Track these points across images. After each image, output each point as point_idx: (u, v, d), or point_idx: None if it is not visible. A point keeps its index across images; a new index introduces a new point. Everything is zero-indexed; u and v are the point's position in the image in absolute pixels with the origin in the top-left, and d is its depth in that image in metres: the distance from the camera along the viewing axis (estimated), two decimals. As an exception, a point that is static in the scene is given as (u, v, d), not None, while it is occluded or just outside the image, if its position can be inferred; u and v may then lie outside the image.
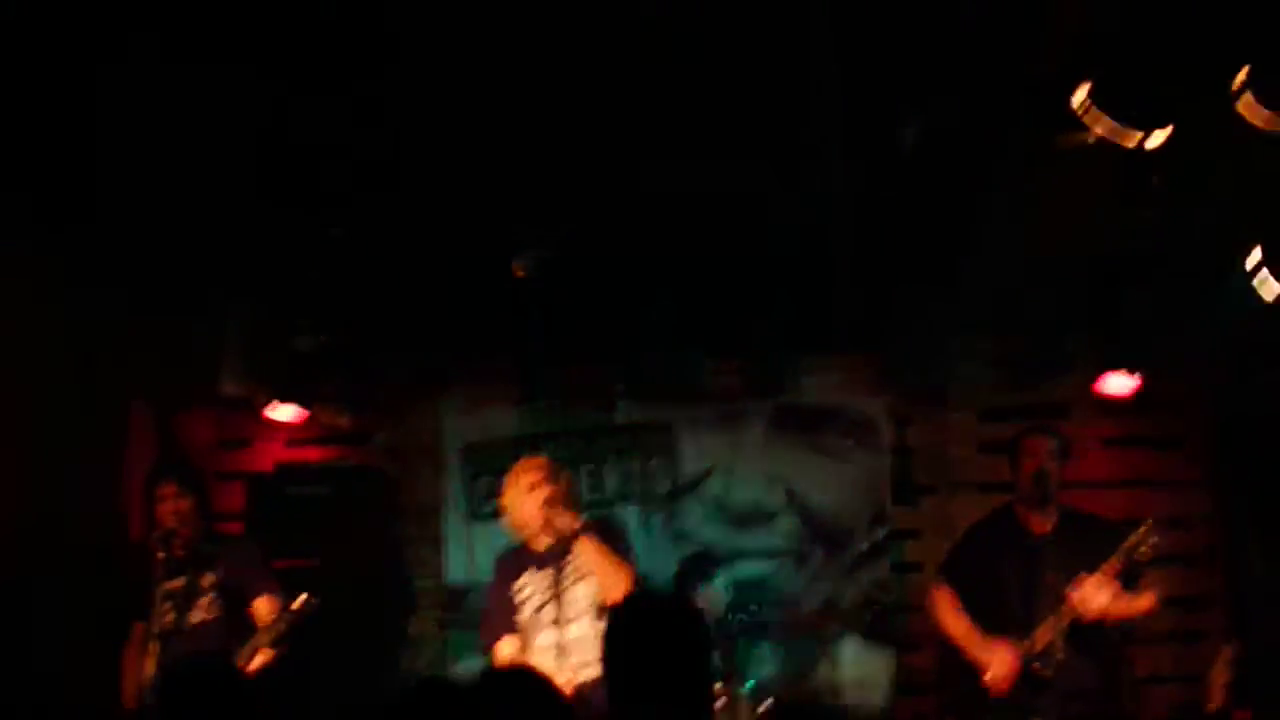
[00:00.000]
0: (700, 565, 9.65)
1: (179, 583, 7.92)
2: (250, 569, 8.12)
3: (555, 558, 7.46)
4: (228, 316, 9.32)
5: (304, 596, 7.73)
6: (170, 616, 7.87)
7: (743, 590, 9.99)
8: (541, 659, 7.42)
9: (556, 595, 7.41)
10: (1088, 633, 7.70)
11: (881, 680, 9.86)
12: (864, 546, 10.09)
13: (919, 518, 10.25)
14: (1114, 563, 7.56)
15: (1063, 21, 5.78)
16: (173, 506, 7.98)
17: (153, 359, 9.34)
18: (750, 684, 8.46)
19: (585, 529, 7.44)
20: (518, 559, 7.75)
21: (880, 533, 10.11)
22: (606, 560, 7.40)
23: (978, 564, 8.12)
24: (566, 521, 7.41)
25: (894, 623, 10.03)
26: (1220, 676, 8.54)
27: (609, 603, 7.44)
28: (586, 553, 7.40)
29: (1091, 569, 7.60)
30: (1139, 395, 9.28)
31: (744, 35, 6.23)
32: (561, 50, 6.32)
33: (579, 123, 6.94)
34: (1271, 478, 9.18)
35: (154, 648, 7.55)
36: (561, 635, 7.32)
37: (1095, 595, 7.54)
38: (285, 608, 7.80)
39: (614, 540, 7.66)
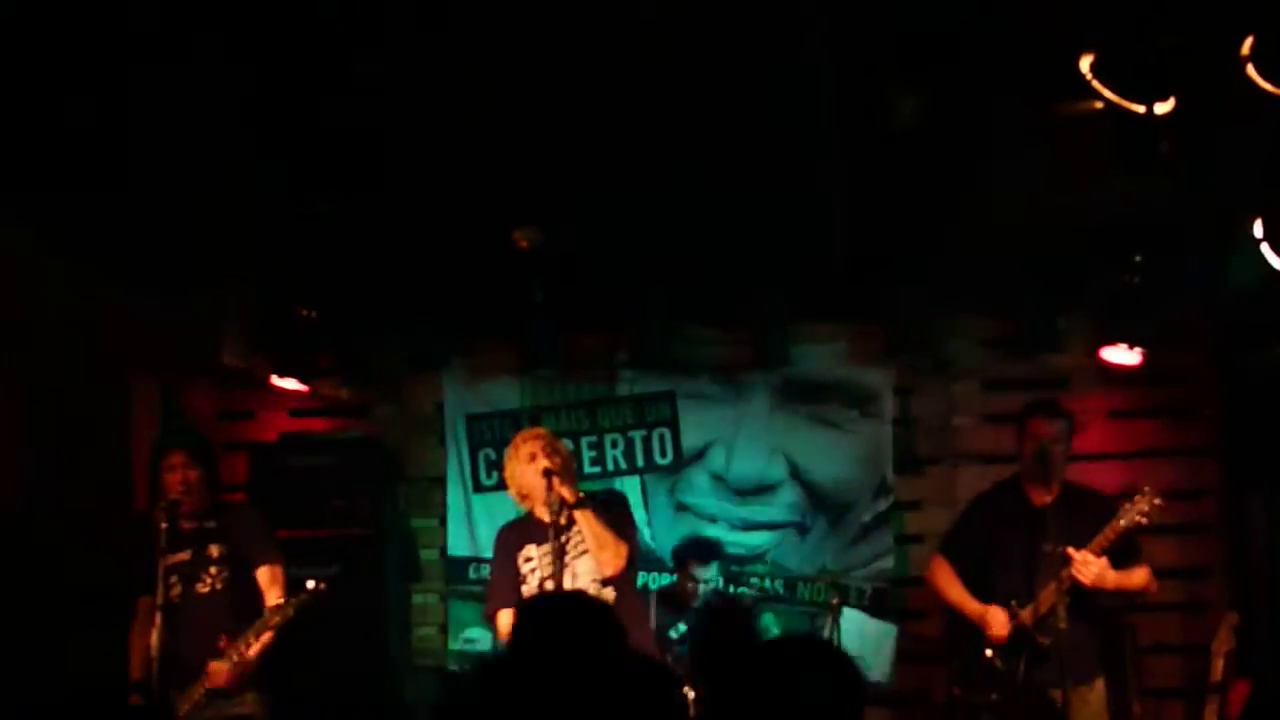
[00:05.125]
0: (701, 549, 9.66)
1: (185, 555, 7.84)
2: (253, 538, 8.04)
3: (558, 531, 7.44)
4: (229, 289, 9.32)
5: (315, 583, 7.68)
6: (177, 589, 7.80)
7: (744, 562, 10.01)
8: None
9: (559, 569, 7.40)
10: (1087, 601, 7.71)
11: (885, 653, 9.87)
12: (866, 518, 10.09)
13: (922, 488, 10.25)
14: (1111, 529, 7.58)
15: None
16: (181, 476, 7.86)
17: (154, 332, 9.33)
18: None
19: (583, 502, 7.43)
20: (521, 531, 7.75)
21: (883, 504, 10.10)
22: (603, 534, 7.40)
23: (981, 535, 8.14)
24: (566, 493, 7.40)
25: (896, 595, 10.03)
26: (1223, 646, 8.54)
27: (604, 577, 7.45)
28: (584, 526, 7.40)
29: (1091, 539, 7.61)
30: (1142, 366, 9.27)
31: (740, 17, 6.21)
32: (562, 24, 6.29)
33: (581, 94, 6.92)
34: (1276, 447, 9.17)
35: (160, 621, 7.53)
36: None
37: (1092, 563, 7.55)
38: (291, 587, 7.77)
39: (615, 514, 7.65)
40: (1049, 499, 7.92)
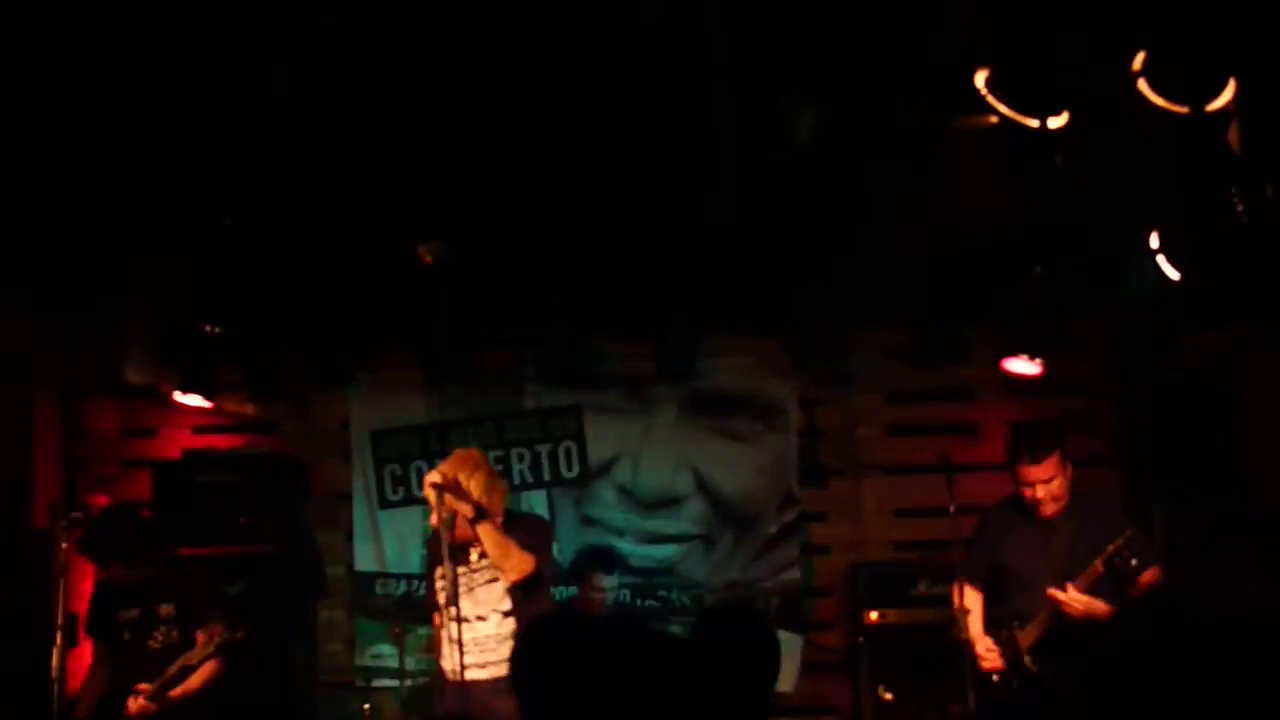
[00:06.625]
0: (599, 557, 9.65)
1: (134, 612, 8.01)
2: (201, 600, 8.13)
3: (454, 552, 7.39)
4: (132, 305, 9.25)
5: (234, 633, 7.81)
6: (129, 642, 8.00)
7: (651, 575, 10.03)
8: (447, 650, 7.41)
9: (463, 591, 7.38)
10: (1076, 631, 7.54)
11: (790, 665, 9.87)
12: (773, 529, 10.14)
13: (826, 500, 10.32)
14: (1094, 569, 7.42)
15: (958, 8, 5.81)
16: (129, 580, 8.06)
17: (57, 348, 9.26)
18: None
19: (481, 516, 7.37)
20: (439, 544, 7.74)
21: (789, 516, 10.16)
22: (504, 543, 7.34)
23: (991, 553, 7.97)
24: (462, 508, 7.34)
25: (802, 606, 10.07)
26: None
27: (509, 584, 7.41)
28: (483, 537, 7.35)
29: (1095, 554, 7.46)
30: (1044, 377, 9.34)
31: (641, 31, 6.22)
32: (462, 36, 6.29)
33: (482, 107, 6.91)
34: (1175, 455, 9.27)
35: (110, 667, 7.98)
36: (466, 631, 7.27)
37: (1076, 602, 7.44)
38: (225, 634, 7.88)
39: (528, 529, 7.62)
40: (1058, 511, 7.76)
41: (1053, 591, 7.49)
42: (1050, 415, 10.05)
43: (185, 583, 8.12)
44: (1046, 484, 7.69)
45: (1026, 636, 7.65)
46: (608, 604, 9.40)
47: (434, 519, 7.47)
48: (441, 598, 7.53)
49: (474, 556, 7.50)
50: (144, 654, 7.90)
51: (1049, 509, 7.74)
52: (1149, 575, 7.58)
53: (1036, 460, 7.70)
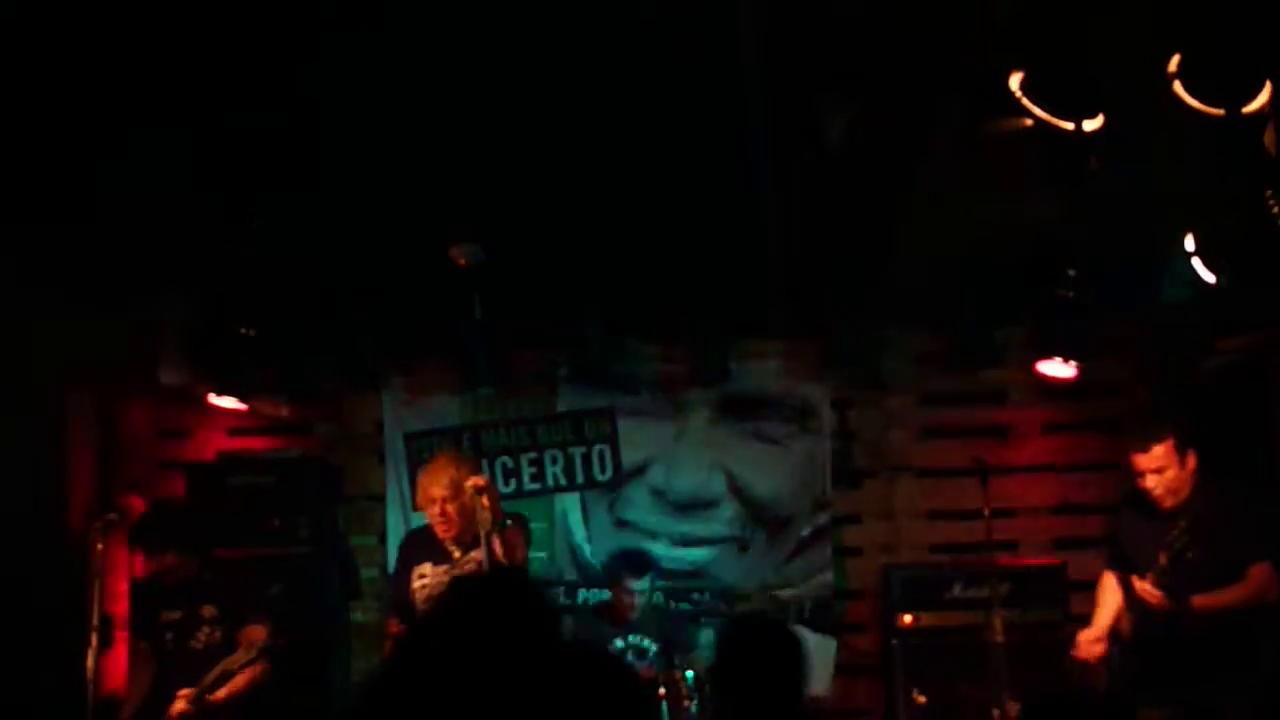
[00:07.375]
0: (631, 562, 9.65)
1: (176, 614, 8.08)
2: (243, 601, 8.17)
3: (449, 553, 7.48)
4: (167, 307, 9.28)
5: (276, 638, 7.89)
6: (170, 644, 8.09)
7: (684, 577, 10.02)
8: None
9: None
10: (1162, 620, 7.32)
11: (824, 667, 9.85)
12: (805, 532, 10.12)
13: (859, 502, 10.29)
14: (1160, 561, 7.19)
15: (992, 11, 5.80)
16: (176, 576, 8.08)
17: (92, 350, 9.28)
18: (691, 674, 8.48)
19: (501, 522, 7.43)
20: (422, 544, 7.80)
21: (822, 518, 10.14)
22: (515, 541, 7.43)
23: (1123, 543, 7.81)
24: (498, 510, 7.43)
25: (835, 609, 10.05)
26: None
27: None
28: (503, 542, 7.41)
29: (1219, 545, 7.22)
30: (1078, 379, 9.31)
31: (675, 32, 6.22)
32: (497, 40, 6.30)
33: (518, 113, 6.92)
34: (1210, 458, 9.21)
35: (153, 667, 8.07)
36: None
37: (1150, 594, 7.23)
38: (269, 637, 7.90)
39: (521, 529, 7.71)
40: (1175, 505, 7.48)
41: (1135, 580, 7.33)
42: (1084, 418, 10.03)
43: (227, 584, 8.16)
44: (1158, 474, 7.48)
45: (1125, 629, 7.53)
46: (639, 607, 9.40)
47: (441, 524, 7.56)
48: (419, 599, 7.59)
49: (457, 554, 7.58)
50: (186, 655, 7.94)
51: (1166, 501, 7.49)
52: (1258, 570, 7.36)
53: (1144, 448, 7.51)
